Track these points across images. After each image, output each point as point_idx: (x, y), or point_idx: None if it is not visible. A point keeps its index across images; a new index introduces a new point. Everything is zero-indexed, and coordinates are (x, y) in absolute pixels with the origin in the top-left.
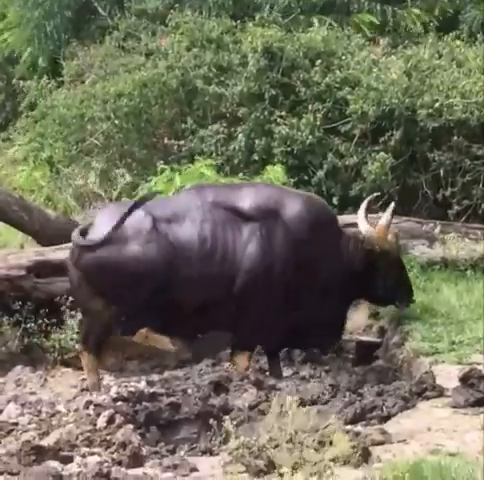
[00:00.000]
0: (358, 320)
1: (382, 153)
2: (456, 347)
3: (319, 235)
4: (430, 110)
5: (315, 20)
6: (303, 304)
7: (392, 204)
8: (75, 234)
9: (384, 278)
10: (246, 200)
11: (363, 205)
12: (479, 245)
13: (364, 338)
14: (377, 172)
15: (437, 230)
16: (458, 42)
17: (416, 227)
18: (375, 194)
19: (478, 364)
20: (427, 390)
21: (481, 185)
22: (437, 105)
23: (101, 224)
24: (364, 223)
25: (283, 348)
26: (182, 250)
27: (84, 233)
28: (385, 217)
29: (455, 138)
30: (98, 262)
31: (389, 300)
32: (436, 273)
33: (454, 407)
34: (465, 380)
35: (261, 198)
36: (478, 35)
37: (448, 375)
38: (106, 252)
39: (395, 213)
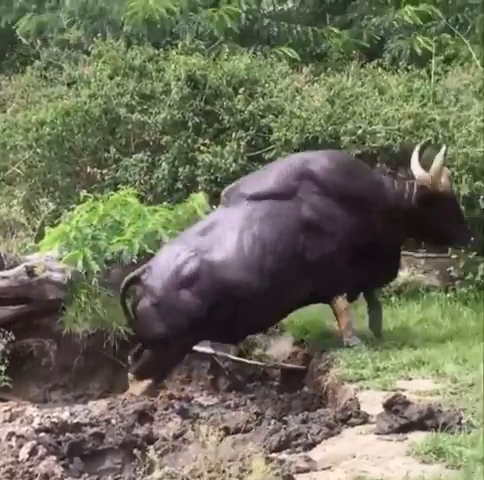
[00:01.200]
0: (283, 347)
1: None
2: (381, 373)
3: (351, 177)
4: (353, 137)
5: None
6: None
7: (444, 147)
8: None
9: (440, 219)
10: (275, 179)
11: (415, 152)
12: (403, 271)
13: (289, 365)
14: None
15: None
16: (380, 70)
17: None
18: (426, 140)
19: (402, 390)
20: (352, 417)
21: None
22: (360, 132)
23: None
24: (418, 168)
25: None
26: (235, 271)
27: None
28: (437, 160)
29: (378, 165)
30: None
31: (448, 241)
32: (361, 300)
33: (378, 433)
34: (389, 406)
35: (289, 168)
36: (400, 63)
37: (373, 401)
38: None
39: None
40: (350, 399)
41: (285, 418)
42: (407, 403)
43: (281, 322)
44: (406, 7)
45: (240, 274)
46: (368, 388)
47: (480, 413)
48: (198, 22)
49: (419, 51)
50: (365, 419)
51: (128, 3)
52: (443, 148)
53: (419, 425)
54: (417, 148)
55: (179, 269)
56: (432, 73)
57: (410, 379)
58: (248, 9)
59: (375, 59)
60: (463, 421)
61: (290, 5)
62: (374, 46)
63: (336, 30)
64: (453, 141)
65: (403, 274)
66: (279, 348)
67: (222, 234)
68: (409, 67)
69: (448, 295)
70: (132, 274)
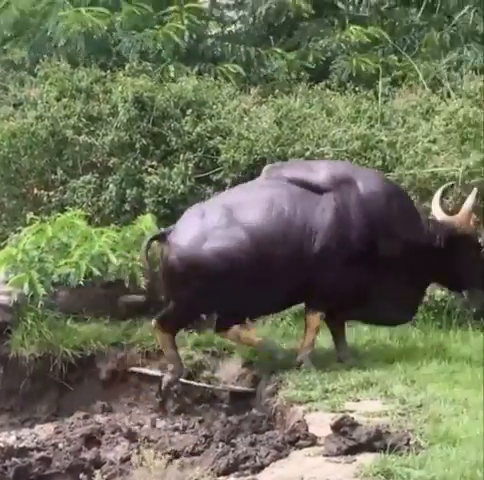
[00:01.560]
0: (231, 369)
1: None
2: (329, 395)
3: (392, 206)
4: (301, 159)
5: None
6: (377, 274)
7: (475, 189)
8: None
9: (463, 262)
10: (321, 173)
11: (437, 194)
12: None
13: (238, 387)
14: None
15: None
16: (328, 91)
17: None
18: (448, 184)
19: (351, 411)
20: (300, 439)
21: None
22: (308, 154)
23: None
24: (439, 210)
25: (352, 319)
26: (259, 231)
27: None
28: (469, 202)
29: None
30: (184, 261)
31: (466, 285)
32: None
33: (327, 455)
34: (337, 428)
35: (335, 170)
36: (348, 84)
37: (321, 423)
38: (190, 251)
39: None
40: (298, 421)
41: (233, 441)
42: (355, 425)
43: (229, 344)
44: (352, 27)
45: (267, 234)
46: (316, 410)
47: (428, 434)
48: (141, 40)
49: (364, 72)
50: (313, 441)
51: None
52: (475, 190)
53: (367, 447)
54: (439, 191)
55: (205, 223)
56: (379, 94)
57: (358, 400)
58: (191, 26)
59: (323, 80)
60: (411, 442)
61: (238, 26)
62: (321, 68)
63: (280, 51)
64: (400, 162)
65: None
66: (227, 370)
67: (253, 198)
68: (357, 88)
69: None
70: (157, 232)
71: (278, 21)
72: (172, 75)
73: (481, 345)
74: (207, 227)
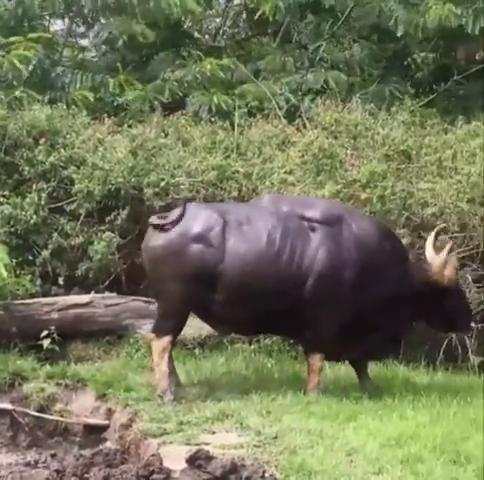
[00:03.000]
0: (85, 402)
1: (108, 232)
2: (184, 427)
3: (383, 246)
4: (156, 189)
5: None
6: (366, 313)
7: (450, 242)
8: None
9: (445, 306)
10: (318, 210)
11: (432, 234)
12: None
13: (91, 420)
14: (104, 251)
15: None
16: (183, 121)
17: (143, 307)
18: (442, 225)
19: (206, 444)
20: (154, 473)
21: None
22: (163, 184)
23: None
24: (431, 251)
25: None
26: (248, 251)
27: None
28: (442, 257)
29: None
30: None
31: (450, 327)
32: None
33: None
34: (192, 461)
35: (331, 208)
36: (203, 115)
37: (176, 456)
38: (172, 243)
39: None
40: (153, 454)
41: (86, 475)
42: (210, 458)
43: (83, 376)
44: (207, 60)
45: (248, 250)
46: (171, 443)
47: (284, 466)
48: None
49: (220, 104)
50: (168, 475)
51: None
52: (449, 243)
53: None
54: (432, 234)
55: (195, 220)
56: (235, 125)
57: (214, 433)
58: (39, 54)
59: (178, 110)
60: (267, 474)
61: (92, 54)
62: (177, 97)
63: (132, 80)
64: (257, 193)
65: (207, 327)
66: (81, 403)
67: (250, 215)
68: (212, 119)
69: (252, 347)
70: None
71: (131, 51)
72: (23, 102)
73: (335, 376)
74: (194, 223)
